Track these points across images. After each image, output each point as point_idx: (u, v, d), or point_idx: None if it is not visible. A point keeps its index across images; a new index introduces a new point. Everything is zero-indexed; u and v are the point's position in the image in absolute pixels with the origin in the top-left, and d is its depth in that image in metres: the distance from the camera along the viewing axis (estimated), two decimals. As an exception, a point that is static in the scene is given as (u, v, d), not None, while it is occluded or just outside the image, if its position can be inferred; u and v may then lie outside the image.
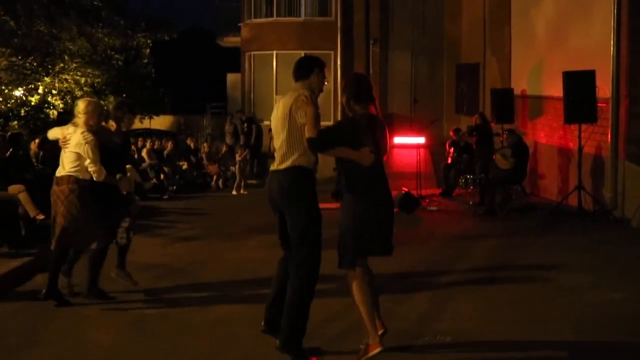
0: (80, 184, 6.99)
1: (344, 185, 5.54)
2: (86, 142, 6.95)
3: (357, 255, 5.48)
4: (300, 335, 5.51)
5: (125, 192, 7.65)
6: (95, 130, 7.13)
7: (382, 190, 5.59)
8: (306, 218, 5.48)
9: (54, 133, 7.33)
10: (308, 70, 5.84)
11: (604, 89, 11.97)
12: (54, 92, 21.71)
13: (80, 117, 7.09)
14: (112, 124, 7.58)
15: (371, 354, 5.37)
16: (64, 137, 7.10)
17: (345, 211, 5.51)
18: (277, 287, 5.73)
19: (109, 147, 7.27)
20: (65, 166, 7.04)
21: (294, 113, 5.54)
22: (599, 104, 11.98)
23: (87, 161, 6.97)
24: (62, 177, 7.04)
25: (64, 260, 7.30)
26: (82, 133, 7.00)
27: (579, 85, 11.86)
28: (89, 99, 7.45)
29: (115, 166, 7.32)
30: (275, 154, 5.69)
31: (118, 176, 7.41)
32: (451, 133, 16.64)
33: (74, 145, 7.00)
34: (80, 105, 7.14)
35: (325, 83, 5.90)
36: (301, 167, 5.49)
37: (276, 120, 5.74)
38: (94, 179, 7.01)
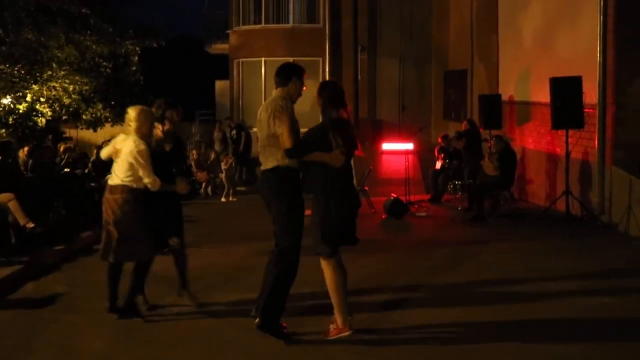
0: (134, 194, 6.80)
1: (312, 182, 6.12)
2: (138, 152, 6.73)
3: (337, 247, 6.10)
4: (278, 315, 6.22)
5: (183, 193, 7.36)
6: (148, 138, 6.93)
7: (352, 187, 6.35)
8: (288, 212, 6.08)
9: (106, 151, 7.10)
10: (286, 77, 6.27)
11: (590, 95, 12.05)
12: (42, 99, 21.65)
13: (131, 125, 6.87)
14: (158, 127, 7.19)
15: (342, 335, 6.10)
16: (115, 149, 6.90)
17: (320, 207, 6.05)
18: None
19: (157, 155, 7.00)
20: (119, 175, 6.83)
21: (271, 121, 6.06)
22: (586, 110, 12.05)
23: (141, 171, 6.77)
24: (116, 186, 6.83)
25: (119, 273, 7.09)
26: (134, 141, 6.79)
27: (566, 91, 11.92)
28: (140, 106, 7.09)
29: (165, 174, 7.01)
30: (260, 156, 6.30)
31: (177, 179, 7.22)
32: (439, 140, 16.71)
33: (126, 154, 6.78)
34: (131, 114, 6.90)
35: (304, 89, 6.39)
36: (284, 167, 6.09)
37: (259, 124, 6.26)
38: (149, 188, 6.83)
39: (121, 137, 6.98)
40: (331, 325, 6.22)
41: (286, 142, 5.92)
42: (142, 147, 6.77)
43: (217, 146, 22.67)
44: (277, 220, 6.16)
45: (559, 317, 6.92)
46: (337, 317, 6.15)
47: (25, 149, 13.71)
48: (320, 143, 6.01)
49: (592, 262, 9.46)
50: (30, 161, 13.09)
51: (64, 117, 23.70)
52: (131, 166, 6.77)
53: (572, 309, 7.20)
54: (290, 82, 6.24)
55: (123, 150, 6.81)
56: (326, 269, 6.11)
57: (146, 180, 6.78)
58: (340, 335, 6.11)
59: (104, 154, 7.17)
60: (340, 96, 6.24)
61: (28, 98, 21.24)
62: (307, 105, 23.63)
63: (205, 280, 8.83)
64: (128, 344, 6.38)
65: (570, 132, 12.23)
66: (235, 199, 18.05)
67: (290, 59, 22.72)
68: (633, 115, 11.90)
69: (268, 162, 6.16)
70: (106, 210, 6.89)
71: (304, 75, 6.34)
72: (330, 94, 6.22)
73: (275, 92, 6.30)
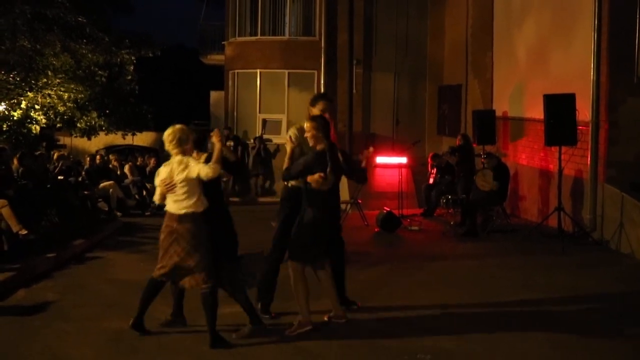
0: (198, 220, 6.59)
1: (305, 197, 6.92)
2: (185, 164, 6.49)
3: (317, 257, 6.98)
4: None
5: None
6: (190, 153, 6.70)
7: (336, 206, 7.27)
8: (282, 223, 7.50)
9: (161, 176, 6.64)
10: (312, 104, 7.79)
11: (584, 112, 12.12)
12: (36, 107, 21.66)
13: (172, 149, 6.58)
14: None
15: (303, 330, 6.78)
16: (171, 179, 6.53)
17: (308, 220, 6.86)
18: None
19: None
20: (182, 204, 6.55)
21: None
22: (579, 127, 12.12)
23: (197, 170, 6.44)
24: (180, 215, 6.58)
25: (156, 293, 6.83)
26: (179, 161, 6.53)
27: (559, 108, 11.99)
28: (173, 127, 6.66)
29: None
30: None
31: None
32: (429, 160, 16.81)
33: (181, 180, 6.48)
34: (167, 138, 6.59)
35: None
36: (293, 187, 7.36)
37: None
38: (210, 176, 6.42)
39: (169, 166, 6.59)
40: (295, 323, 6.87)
41: (284, 165, 7.07)
42: (186, 158, 6.55)
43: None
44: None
45: (546, 331, 6.94)
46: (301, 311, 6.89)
47: (17, 155, 13.68)
48: (313, 168, 6.79)
49: (581, 279, 9.49)
50: (21, 169, 13.06)
51: (58, 125, 23.71)
52: (189, 190, 6.53)
53: (560, 325, 7.22)
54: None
55: (176, 179, 6.50)
56: (294, 271, 6.91)
57: (204, 172, 6.42)
58: (301, 330, 6.77)
59: (158, 181, 6.67)
60: (327, 129, 6.95)
61: (23, 105, 21.24)
62: (304, 117, 23.61)
63: (197, 290, 8.80)
64: (117, 353, 6.37)
65: (564, 149, 12.29)
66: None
67: (286, 71, 22.78)
68: (626, 133, 11.97)
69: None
70: (167, 237, 6.70)
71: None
72: (325, 128, 6.94)
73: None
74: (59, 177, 14.85)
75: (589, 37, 12.17)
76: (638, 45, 11.88)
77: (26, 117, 21.40)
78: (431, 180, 16.20)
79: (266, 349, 6.38)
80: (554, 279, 9.44)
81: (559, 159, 12.29)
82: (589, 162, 12.26)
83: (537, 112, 13.31)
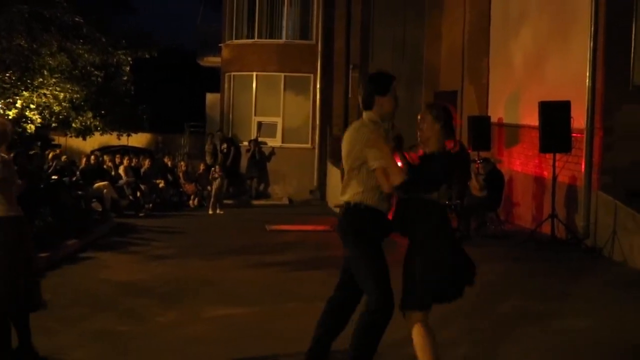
0: None
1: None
2: None
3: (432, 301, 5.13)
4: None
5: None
6: None
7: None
8: (353, 254, 5.29)
9: None
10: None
11: (578, 119, 12.15)
12: (32, 106, 21.60)
13: None
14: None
15: None
16: None
17: (442, 245, 5.14)
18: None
19: None
20: None
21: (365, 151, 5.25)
22: (574, 134, 12.15)
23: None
24: None
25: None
26: None
27: (554, 115, 12.02)
28: None
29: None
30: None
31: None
32: None
33: None
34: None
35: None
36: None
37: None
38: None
39: None
40: None
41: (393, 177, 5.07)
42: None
43: (208, 159, 22.66)
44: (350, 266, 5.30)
45: (534, 338, 6.95)
46: None
47: (11, 155, 13.64)
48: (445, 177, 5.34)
49: (573, 286, 9.51)
50: (16, 168, 13.01)
51: (53, 125, 23.67)
52: None
53: (548, 332, 7.23)
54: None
55: None
56: (417, 329, 5.05)
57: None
58: None
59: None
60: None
61: (18, 104, 21.18)
62: (300, 121, 23.68)
63: (190, 291, 8.83)
64: (108, 354, 6.36)
65: (558, 155, 12.32)
66: (222, 212, 18.08)
67: (282, 75, 22.77)
68: (620, 140, 12.01)
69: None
70: None
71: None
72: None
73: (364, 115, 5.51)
74: (53, 177, 14.82)
75: (585, 45, 12.20)
76: (633, 53, 11.92)
77: (21, 117, 21.35)
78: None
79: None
80: (546, 285, 9.46)
81: (553, 166, 12.31)
82: (583, 170, 12.28)
83: (532, 119, 13.34)
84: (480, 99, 18.06)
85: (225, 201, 19.45)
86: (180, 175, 20.57)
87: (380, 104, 5.43)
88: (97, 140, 28.24)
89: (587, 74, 12.14)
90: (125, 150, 23.66)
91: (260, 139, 22.53)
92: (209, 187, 19.41)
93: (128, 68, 25.13)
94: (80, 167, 17.30)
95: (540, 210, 13.95)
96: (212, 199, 18.46)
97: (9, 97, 20.98)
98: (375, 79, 5.61)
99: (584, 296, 8.92)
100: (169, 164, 21.32)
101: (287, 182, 22.66)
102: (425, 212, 5.18)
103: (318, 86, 22.26)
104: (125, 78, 25.44)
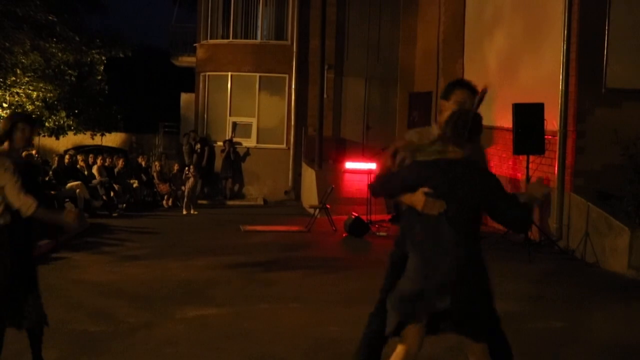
0: None
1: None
2: None
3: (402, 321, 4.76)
4: None
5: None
6: None
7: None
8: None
9: None
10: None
11: (552, 122, 12.24)
12: (4, 105, 21.40)
13: None
14: None
15: None
16: None
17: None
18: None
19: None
20: None
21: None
22: (547, 137, 12.24)
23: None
24: None
25: None
26: None
27: (528, 117, 12.09)
28: None
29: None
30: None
31: None
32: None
33: None
34: None
35: None
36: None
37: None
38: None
39: None
40: None
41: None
42: None
43: (186, 159, 22.53)
44: None
45: (512, 339, 6.97)
46: None
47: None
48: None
49: (546, 287, 9.57)
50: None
51: (26, 124, 23.41)
52: None
53: (523, 333, 7.26)
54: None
55: None
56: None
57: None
58: None
59: None
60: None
61: (-10, 103, 21.00)
62: (275, 121, 23.59)
63: (163, 292, 8.78)
64: (81, 355, 6.31)
65: (531, 157, 12.39)
66: (196, 212, 18.01)
67: (257, 75, 22.74)
68: (593, 143, 12.11)
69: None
70: None
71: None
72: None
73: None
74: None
75: (559, 48, 12.31)
76: (606, 57, 12.03)
77: (-7, 116, 21.16)
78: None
79: None
80: (519, 287, 9.49)
81: (527, 167, 12.38)
82: (556, 172, 12.38)
83: (506, 120, 13.40)
84: (455, 100, 18.10)
85: (200, 201, 19.41)
86: (155, 175, 20.47)
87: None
88: (70, 139, 28.01)
89: (561, 77, 12.24)
90: (98, 150, 23.52)
91: (235, 139, 22.48)
92: (183, 187, 19.33)
93: (102, 67, 24.97)
94: (53, 166, 17.16)
95: (514, 211, 14.00)
96: (185, 199, 18.39)
97: (-19, 96, 20.78)
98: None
99: (558, 297, 8.98)
100: (143, 163, 21.22)
101: (261, 182, 22.63)
102: None
103: (293, 86, 22.25)
104: (99, 77, 25.27)
